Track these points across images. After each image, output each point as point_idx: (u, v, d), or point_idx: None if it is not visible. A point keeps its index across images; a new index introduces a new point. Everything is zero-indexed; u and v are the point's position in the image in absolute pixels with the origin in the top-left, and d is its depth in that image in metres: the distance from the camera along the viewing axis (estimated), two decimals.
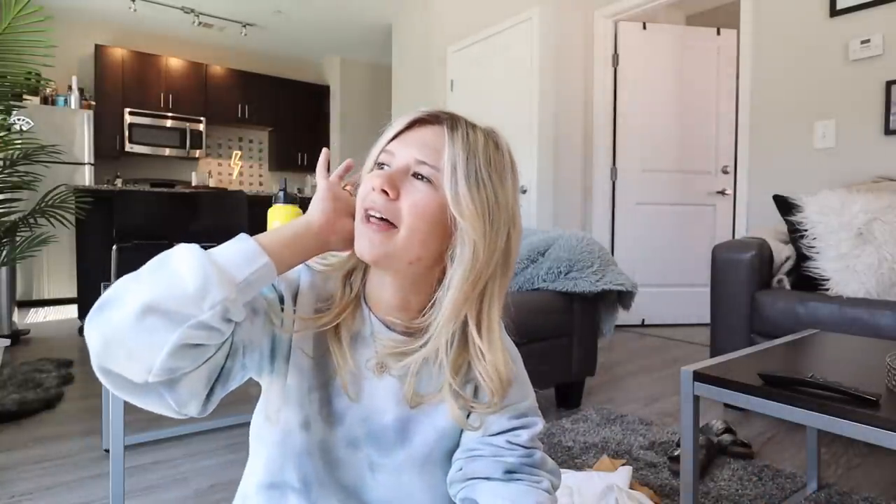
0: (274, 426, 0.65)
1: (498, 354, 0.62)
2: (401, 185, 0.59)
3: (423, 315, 0.63)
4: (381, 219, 0.59)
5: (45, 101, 4.78)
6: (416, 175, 0.60)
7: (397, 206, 0.59)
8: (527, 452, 0.68)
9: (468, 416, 0.67)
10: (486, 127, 0.65)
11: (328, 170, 0.67)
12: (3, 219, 2.51)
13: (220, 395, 0.55)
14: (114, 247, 3.37)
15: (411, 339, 0.64)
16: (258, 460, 0.68)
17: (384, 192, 0.58)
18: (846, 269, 1.96)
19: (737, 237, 2.70)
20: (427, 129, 0.62)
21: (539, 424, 0.70)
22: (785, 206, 2.20)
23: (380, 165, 0.63)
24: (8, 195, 2.55)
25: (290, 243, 0.57)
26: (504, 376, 0.62)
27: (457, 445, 0.69)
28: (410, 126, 0.63)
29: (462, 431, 0.68)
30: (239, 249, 0.53)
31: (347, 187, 0.66)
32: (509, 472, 0.66)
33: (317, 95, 6.59)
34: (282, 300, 0.63)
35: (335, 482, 0.65)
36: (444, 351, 0.61)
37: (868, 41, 2.48)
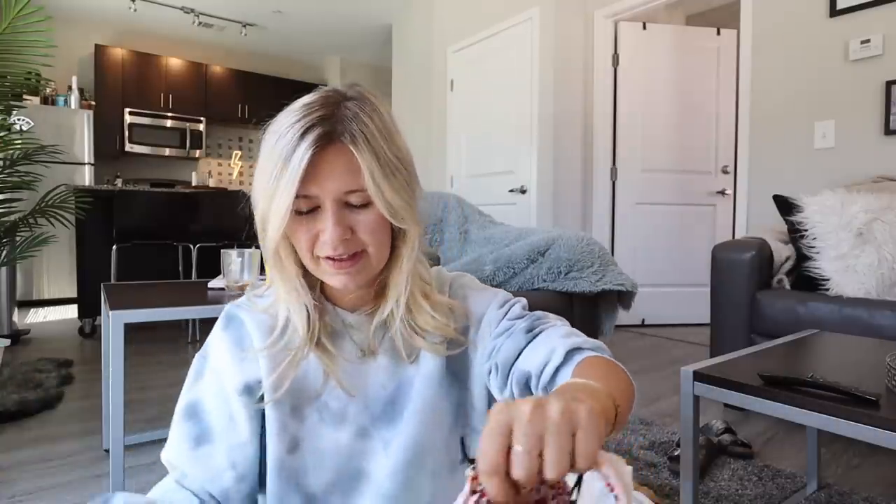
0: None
1: (436, 290, 0.69)
2: (348, 222, 0.59)
3: (379, 284, 0.67)
4: (350, 255, 0.60)
5: (45, 101, 4.78)
6: (349, 204, 0.59)
7: (356, 237, 0.60)
8: (530, 315, 0.70)
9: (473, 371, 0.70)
10: (353, 90, 0.61)
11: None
12: (3, 219, 2.51)
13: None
14: (114, 247, 3.37)
15: (375, 305, 0.67)
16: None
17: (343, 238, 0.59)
18: (846, 269, 1.96)
19: (737, 237, 2.70)
20: (330, 153, 0.57)
21: (523, 300, 0.73)
22: (785, 206, 2.20)
23: (302, 210, 0.59)
24: (8, 195, 2.55)
25: None
26: (452, 302, 0.69)
27: (446, 385, 0.69)
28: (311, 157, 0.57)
29: (450, 371, 0.69)
30: None
31: None
32: (529, 331, 0.66)
33: None
34: (250, 390, 0.64)
35: (346, 475, 0.66)
36: (403, 300, 0.65)
37: (868, 41, 2.48)
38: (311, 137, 0.55)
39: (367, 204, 0.59)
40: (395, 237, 0.65)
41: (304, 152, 0.55)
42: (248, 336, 0.66)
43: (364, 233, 0.60)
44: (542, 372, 0.60)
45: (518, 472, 0.33)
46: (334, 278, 0.61)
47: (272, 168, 0.57)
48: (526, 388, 0.62)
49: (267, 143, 0.59)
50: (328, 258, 0.60)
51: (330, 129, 0.57)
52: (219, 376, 0.65)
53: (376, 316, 0.66)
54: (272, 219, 0.58)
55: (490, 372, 0.67)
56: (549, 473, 0.33)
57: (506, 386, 0.65)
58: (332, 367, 0.64)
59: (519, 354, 0.64)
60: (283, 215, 0.56)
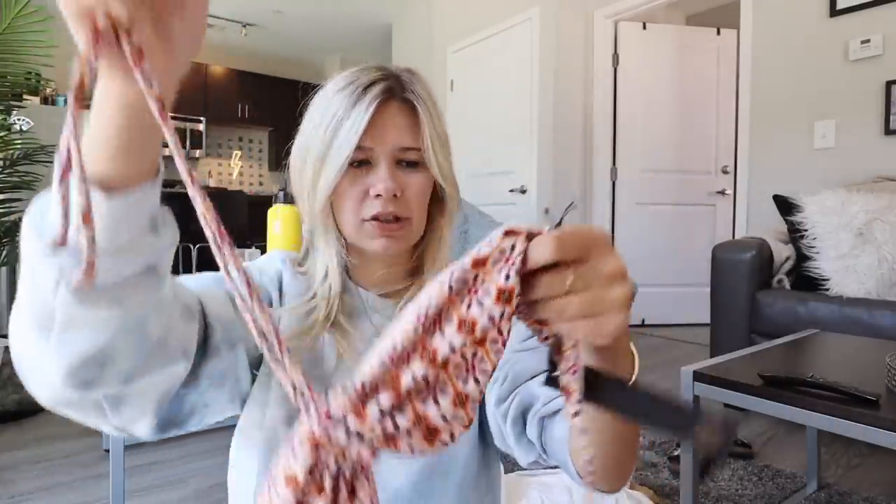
0: (258, 431, 0.58)
1: None
2: (399, 181, 0.59)
3: (412, 263, 0.65)
4: (396, 218, 0.59)
5: (45, 101, 4.78)
6: (401, 162, 0.59)
7: (404, 200, 0.59)
8: None
9: None
10: (405, 67, 0.63)
11: None
12: (3, 219, 2.51)
13: (183, 427, 0.50)
14: None
15: (402, 286, 0.64)
16: (248, 475, 0.59)
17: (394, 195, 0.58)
18: (846, 269, 1.96)
19: (737, 237, 2.70)
20: (392, 109, 0.58)
21: None
22: (785, 206, 2.20)
23: (354, 163, 0.58)
24: (8, 195, 2.54)
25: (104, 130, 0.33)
26: None
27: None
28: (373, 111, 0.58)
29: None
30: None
31: None
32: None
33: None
34: (270, 302, 0.61)
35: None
36: None
37: (868, 41, 2.48)
38: (375, 90, 0.57)
39: (417, 164, 0.59)
40: (432, 210, 0.64)
41: (368, 102, 0.56)
42: (282, 287, 0.62)
43: (412, 195, 0.59)
44: (550, 401, 0.55)
45: (539, 292, 0.30)
46: (376, 241, 0.59)
47: (330, 120, 0.57)
48: (526, 412, 0.58)
49: (322, 98, 0.59)
50: (374, 219, 0.58)
51: (393, 86, 0.58)
52: (255, 268, 0.62)
53: (407, 294, 0.63)
54: (326, 170, 0.57)
55: (495, 381, 0.62)
56: (559, 319, 0.30)
57: (505, 401, 0.60)
58: (346, 347, 0.60)
59: (535, 376, 0.59)
60: (341, 165, 0.56)
